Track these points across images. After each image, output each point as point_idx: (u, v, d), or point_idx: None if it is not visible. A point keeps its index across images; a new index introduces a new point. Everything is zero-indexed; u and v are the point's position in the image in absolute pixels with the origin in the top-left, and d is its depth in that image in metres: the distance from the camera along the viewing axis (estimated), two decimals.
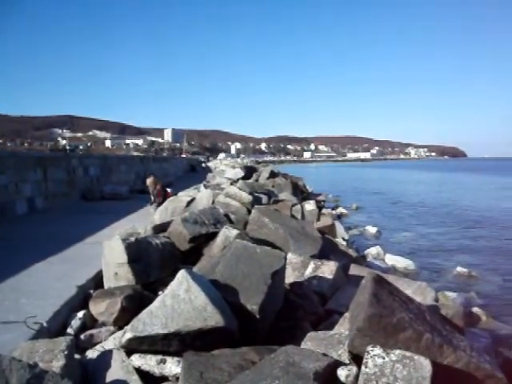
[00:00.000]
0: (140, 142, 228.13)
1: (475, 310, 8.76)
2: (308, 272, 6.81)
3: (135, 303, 5.27)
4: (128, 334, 3.92)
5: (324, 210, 20.41)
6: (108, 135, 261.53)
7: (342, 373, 3.43)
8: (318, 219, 14.53)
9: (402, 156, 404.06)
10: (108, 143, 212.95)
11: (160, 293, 5.17)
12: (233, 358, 3.77)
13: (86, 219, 12.53)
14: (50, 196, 16.14)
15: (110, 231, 9.65)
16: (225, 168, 39.59)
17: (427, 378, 3.07)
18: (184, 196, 12.51)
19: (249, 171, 27.35)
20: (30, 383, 3.12)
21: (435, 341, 3.56)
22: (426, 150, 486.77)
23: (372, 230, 18.94)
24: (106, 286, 6.02)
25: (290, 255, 7.10)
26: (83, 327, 5.14)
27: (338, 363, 3.57)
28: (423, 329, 3.61)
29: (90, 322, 5.30)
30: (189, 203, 11.07)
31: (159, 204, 13.74)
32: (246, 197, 11.38)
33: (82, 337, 4.85)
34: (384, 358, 3.22)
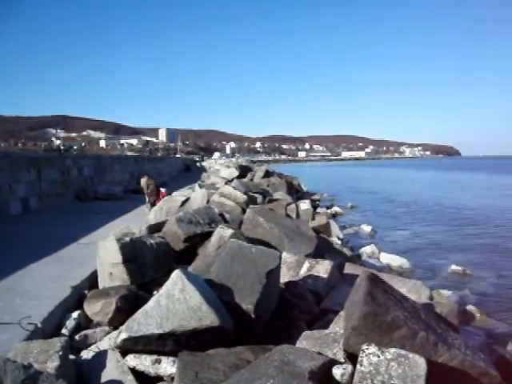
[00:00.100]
0: (134, 141, 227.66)
1: (469, 308, 8.79)
2: (303, 271, 6.82)
3: (130, 303, 5.26)
4: (123, 334, 3.91)
5: (319, 209, 20.47)
6: (102, 135, 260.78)
7: (337, 371, 3.43)
8: (313, 218, 14.55)
9: (396, 155, 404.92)
10: (102, 143, 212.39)
11: (155, 293, 5.16)
12: (228, 357, 3.77)
13: (81, 219, 12.50)
14: (44, 196, 16.09)
15: (105, 231, 9.63)
16: (219, 167, 39.58)
17: (422, 376, 3.08)
18: (179, 196, 12.50)
19: (244, 171, 27.34)
20: None
21: (430, 339, 3.57)
22: (420, 148, 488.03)
23: (367, 228, 18.96)
24: (100, 286, 6.01)
25: (284, 254, 7.10)
26: (78, 328, 5.14)
27: (333, 362, 3.57)
28: (418, 327, 3.62)
29: (85, 323, 5.29)
30: (183, 203, 11.06)
31: (152, 204, 13.74)
32: (241, 196, 11.38)
33: (77, 337, 4.84)
34: (379, 357, 3.22)
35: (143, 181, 15.17)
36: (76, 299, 5.76)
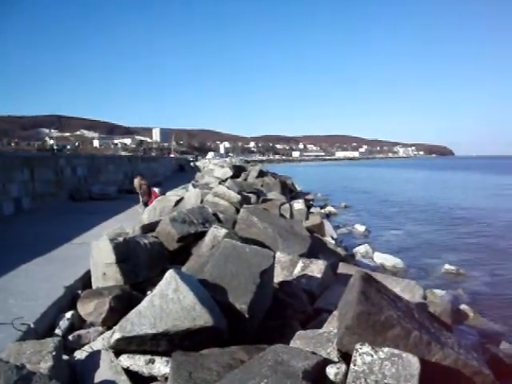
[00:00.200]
0: (128, 141, 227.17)
1: (463, 307, 8.83)
2: (297, 271, 6.82)
3: (124, 303, 5.25)
4: (116, 334, 3.90)
5: (313, 209, 20.49)
6: (96, 135, 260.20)
7: (330, 371, 3.44)
8: (307, 218, 14.56)
9: (390, 155, 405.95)
10: (96, 143, 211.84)
11: (149, 293, 5.15)
12: (222, 357, 3.77)
13: (74, 219, 12.46)
14: (38, 196, 16.02)
15: (98, 231, 9.60)
16: (213, 167, 39.54)
17: (415, 376, 3.09)
18: (172, 195, 12.49)
19: (237, 170, 27.32)
20: None
21: (423, 338, 3.58)
22: (414, 148, 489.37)
23: (361, 228, 19.00)
24: (94, 286, 5.99)
25: (278, 254, 7.10)
26: (71, 328, 5.11)
27: (327, 361, 3.58)
28: (411, 326, 3.63)
29: (78, 323, 5.27)
30: (177, 203, 11.05)
31: (145, 204, 13.73)
32: (235, 196, 11.38)
33: (70, 337, 4.82)
34: (372, 356, 3.23)
35: (136, 181, 15.15)
36: (69, 299, 5.74)
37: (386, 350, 3.27)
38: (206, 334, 3.93)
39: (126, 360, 3.91)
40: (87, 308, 5.29)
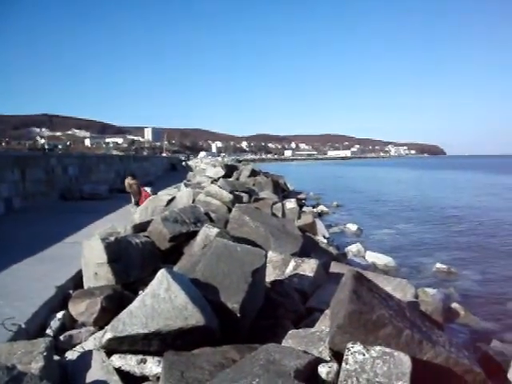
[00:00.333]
0: (120, 140, 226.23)
1: (454, 305, 8.86)
2: (289, 270, 6.83)
3: (115, 303, 5.24)
4: (108, 334, 3.89)
5: (305, 208, 20.50)
6: (88, 134, 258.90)
7: (322, 370, 3.44)
8: (299, 217, 14.58)
9: (382, 154, 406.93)
10: (87, 142, 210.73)
11: (140, 292, 5.14)
12: (214, 356, 3.77)
13: (66, 219, 12.40)
14: (29, 196, 15.95)
15: (90, 231, 9.56)
16: (205, 167, 39.50)
17: (407, 374, 3.10)
18: (164, 195, 12.46)
19: (230, 170, 27.33)
20: None
21: (415, 337, 3.60)
22: (405, 148, 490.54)
23: (353, 227, 19.03)
24: (85, 286, 5.98)
25: (270, 253, 7.11)
26: (63, 328, 5.10)
27: (318, 360, 3.59)
28: (403, 325, 3.64)
29: (70, 323, 5.26)
30: (169, 202, 11.03)
31: (136, 203, 13.71)
32: (227, 195, 11.38)
33: (62, 338, 4.81)
34: (364, 355, 3.24)
35: (126, 181, 15.13)
36: (61, 299, 5.72)
37: (377, 348, 3.28)
38: (197, 334, 3.93)
39: (117, 360, 3.90)
40: (79, 308, 5.28)
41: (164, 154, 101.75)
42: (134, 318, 3.90)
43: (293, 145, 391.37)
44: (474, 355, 5.31)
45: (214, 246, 5.27)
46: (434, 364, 3.60)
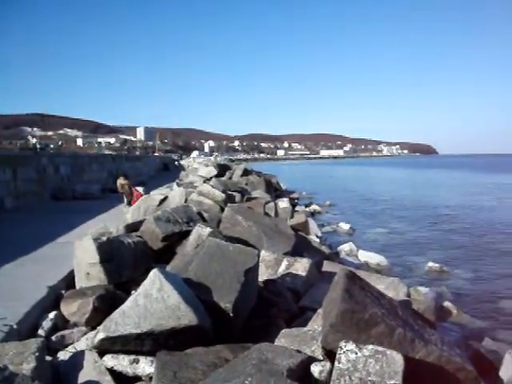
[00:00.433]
0: (112, 140, 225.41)
1: (446, 304, 8.90)
2: (281, 269, 6.83)
3: (107, 303, 5.22)
4: (100, 334, 3.88)
5: (297, 208, 20.51)
6: (80, 134, 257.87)
7: (315, 369, 3.45)
8: (292, 216, 14.59)
9: (374, 153, 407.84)
10: (80, 142, 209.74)
11: (133, 292, 5.13)
12: (206, 356, 3.77)
13: (58, 219, 12.36)
14: (20, 195, 15.89)
15: (82, 231, 9.53)
16: (198, 166, 39.47)
17: (399, 373, 3.11)
18: (156, 194, 12.43)
19: (222, 169, 27.31)
20: None
21: (407, 335, 3.61)
22: (398, 147, 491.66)
23: (345, 226, 19.06)
24: (77, 286, 5.96)
25: (263, 253, 7.10)
26: (55, 328, 5.08)
27: (311, 359, 3.59)
28: (395, 324, 3.65)
29: (62, 323, 5.24)
30: (161, 202, 11.00)
31: (128, 203, 13.70)
32: (219, 195, 11.37)
33: (54, 338, 4.79)
34: (357, 354, 3.25)
35: (118, 182, 15.11)
36: (53, 299, 5.69)
37: (370, 347, 3.29)
38: (190, 334, 3.92)
39: (110, 360, 3.89)
40: (71, 308, 5.26)
41: (156, 154, 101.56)
42: (127, 318, 3.89)
43: (285, 144, 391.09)
44: (465, 353, 5.32)
45: (206, 245, 5.27)
46: (427, 362, 3.61)
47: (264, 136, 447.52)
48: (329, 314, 3.77)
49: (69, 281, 6.27)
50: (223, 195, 11.47)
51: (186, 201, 10.90)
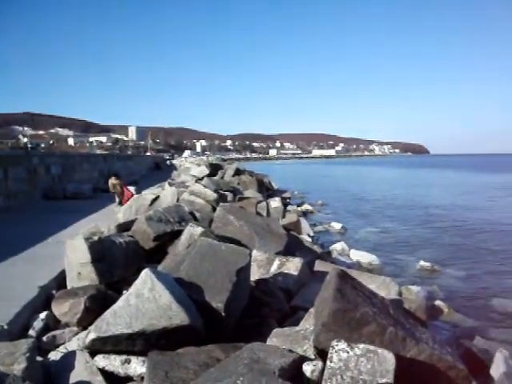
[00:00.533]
0: (104, 139, 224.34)
1: (438, 303, 8.95)
2: (273, 269, 6.84)
3: (99, 303, 5.20)
4: (91, 334, 3.87)
5: (289, 207, 20.56)
6: (71, 133, 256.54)
7: (307, 368, 3.46)
8: (284, 216, 14.62)
9: (366, 153, 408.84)
10: (71, 141, 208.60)
11: (124, 292, 5.11)
12: (198, 356, 3.76)
13: (49, 219, 12.31)
14: (11, 195, 15.81)
15: (73, 230, 9.50)
16: (190, 166, 39.43)
17: (391, 371, 3.12)
18: (148, 194, 12.41)
19: (214, 169, 27.33)
20: None
21: (398, 334, 3.62)
22: (389, 146, 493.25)
23: (337, 226, 19.11)
24: (69, 286, 5.92)
25: (255, 252, 7.10)
26: (46, 328, 5.06)
27: (303, 359, 3.60)
28: (387, 322, 3.66)
29: (53, 323, 5.22)
30: (153, 201, 10.98)
31: (120, 203, 13.67)
32: (211, 194, 11.36)
33: (45, 338, 4.78)
34: (348, 353, 3.26)
35: (110, 182, 15.08)
36: (44, 300, 5.68)
37: (361, 346, 3.30)
38: (182, 333, 3.92)
39: (101, 360, 3.87)
40: (62, 308, 5.23)
41: (148, 153, 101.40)
42: (118, 318, 3.87)
43: (278, 144, 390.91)
44: (457, 352, 5.36)
45: (198, 245, 5.26)
46: (418, 361, 3.63)
47: (256, 135, 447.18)
48: (321, 314, 3.78)
49: (60, 281, 6.24)
50: (215, 195, 11.47)
51: (177, 200, 10.89)
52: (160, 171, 47.90)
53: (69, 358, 3.96)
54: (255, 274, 6.60)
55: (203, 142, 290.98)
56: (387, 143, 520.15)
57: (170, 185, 15.61)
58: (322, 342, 3.60)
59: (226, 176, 24.92)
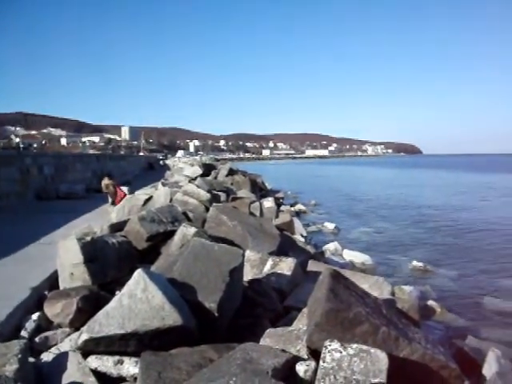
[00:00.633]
0: (97, 139, 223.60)
1: (430, 303, 8.98)
2: (266, 269, 6.84)
3: (91, 304, 5.18)
4: (84, 335, 3.85)
5: (283, 207, 20.57)
6: (64, 133, 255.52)
7: (300, 368, 3.46)
8: (277, 216, 14.61)
9: (359, 153, 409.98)
10: (64, 141, 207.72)
11: (117, 293, 5.10)
12: (191, 356, 3.75)
13: (41, 219, 12.25)
14: (3, 195, 15.72)
15: (66, 231, 9.46)
16: (183, 166, 39.39)
17: (384, 371, 3.12)
18: (141, 194, 12.38)
19: (207, 169, 27.32)
20: None
21: (391, 334, 3.63)
22: (382, 147, 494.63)
23: (330, 226, 19.14)
24: (61, 286, 5.90)
25: (248, 252, 7.10)
26: (38, 329, 5.03)
27: (296, 359, 3.60)
28: (379, 322, 3.67)
29: (45, 324, 5.19)
30: (146, 201, 10.96)
31: (113, 203, 13.64)
32: (204, 194, 11.35)
33: (37, 339, 4.75)
34: (341, 352, 3.26)
35: (103, 183, 15.05)
36: (36, 300, 5.64)
37: (354, 346, 3.31)
38: (175, 334, 3.91)
39: (94, 361, 3.86)
40: (54, 309, 5.21)
41: (141, 153, 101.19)
42: (111, 319, 3.86)
43: (271, 144, 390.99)
44: (449, 351, 5.38)
45: (191, 245, 5.25)
46: (411, 360, 3.64)
47: (249, 135, 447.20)
48: (314, 314, 3.78)
49: (52, 281, 6.21)
50: (208, 195, 11.46)
51: (170, 200, 10.87)
52: (153, 171, 47.82)
53: (61, 359, 3.95)
54: (248, 274, 6.61)
55: (196, 142, 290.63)
56: (380, 143, 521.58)
57: (164, 185, 15.58)
58: (315, 342, 3.61)
59: (219, 176, 24.92)
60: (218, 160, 78.02)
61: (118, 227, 8.11)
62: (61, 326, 5.12)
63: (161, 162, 66.77)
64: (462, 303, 9.54)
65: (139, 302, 3.92)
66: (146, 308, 3.88)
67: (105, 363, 3.84)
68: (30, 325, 5.02)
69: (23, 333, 4.90)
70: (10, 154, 21.14)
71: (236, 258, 5.07)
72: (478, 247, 15.33)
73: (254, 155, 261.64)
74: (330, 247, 13.48)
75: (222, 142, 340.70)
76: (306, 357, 3.70)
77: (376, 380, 3.07)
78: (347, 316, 3.61)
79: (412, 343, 3.69)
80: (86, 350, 3.90)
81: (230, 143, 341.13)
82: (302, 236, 13.25)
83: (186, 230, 7.11)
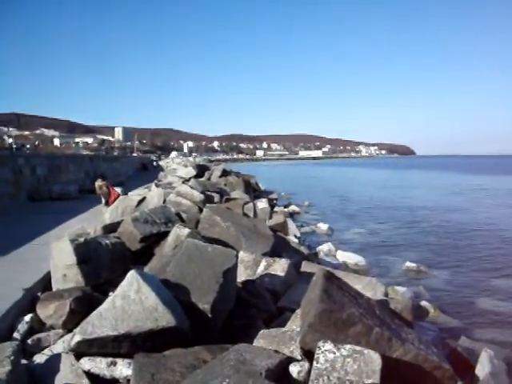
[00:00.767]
0: (90, 140, 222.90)
1: (423, 303, 9.01)
2: (260, 270, 6.84)
3: (84, 305, 5.16)
4: (77, 336, 3.84)
5: (276, 208, 20.57)
6: (57, 133, 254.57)
7: (294, 369, 3.46)
8: (271, 217, 14.61)
9: (353, 154, 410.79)
10: (57, 142, 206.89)
11: (110, 294, 5.08)
12: (185, 357, 3.75)
13: (34, 220, 12.20)
14: None
15: (59, 232, 9.43)
16: (177, 167, 39.34)
17: (377, 372, 3.13)
18: (135, 195, 12.35)
19: (201, 170, 27.29)
20: None
21: (384, 334, 3.64)
22: (376, 148, 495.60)
23: (324, 227, 19.16)
24: (54, 288, 5.88)
25: (241, 253, 7.10)
26: (31, 331, 5.01)
27: (290, 360, 3.60)
28: (373, 323, 3.68)
29: (38, 326, 5.16)
30: (139, 202, 10.93)
31: (106, 204, 13.60)
32: (198, 195, 11.34)
33: (30, 341, 4.72)
34: (335, 353, 3.27)
35: (96, 183, 15.00)
36: (29, 302, 5.61)
37: (348, 347, 3.31)
38: (168, 335, 3.90)
39: (87, 363, 3.85)
40: (47, 311, 5.19)
41: (135, 154, 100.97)
42: (104, 320, 3.85)
43: (264, 145, 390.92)
44: (442, 352, 5.39)
45: (184, 246, 5.25)
46: (404, 361, 3.65)
47: (243, 137, 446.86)
48: (307, 314, 3.79)
49: (45, 283, 6.18)
50: (202, 196, 11.45)
51: (164, 201, 10.85)
52: (147, 172, 47.73)
53: (54, 361, 3.93)
54: (242, 275, 6.60)
55: (190, 143, 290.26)
56: (374, 144, 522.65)
57: (157, 186, 15.55)
58: (308, 343, 3.61)
59: (212, 177, 24.91)
60: (211, 161, 78.03)
61: (111, 228, 8.09)
62: (54, 327, 5.09)
63: (154, 163, 66.69)
64: (455, 304, 9.58)
65: (132, 303, 3.91)
66: (140, 309, 3.88)
67: (98, 365, 3.83)
68: (22, 326, 5.00)
69: (16, 334, 4.87)
70: (3, 154, 21.05)
71: (229, 259, 5.07)
72: (471, 248, 15.40)
73: (247, 156, 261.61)
74: (324, 248, 13.50)
75: (215, 143, 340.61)
76: (299, 358, 3.70)
77: (369, 381, 3.08)
78: (340, 317, 3.61)
79: (405, 344, 3.70)
80: (79, 351, 3.89)
81: (223, 144, 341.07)
82: (296, 237, 13.25)
83: (179, 231, 7.09)
